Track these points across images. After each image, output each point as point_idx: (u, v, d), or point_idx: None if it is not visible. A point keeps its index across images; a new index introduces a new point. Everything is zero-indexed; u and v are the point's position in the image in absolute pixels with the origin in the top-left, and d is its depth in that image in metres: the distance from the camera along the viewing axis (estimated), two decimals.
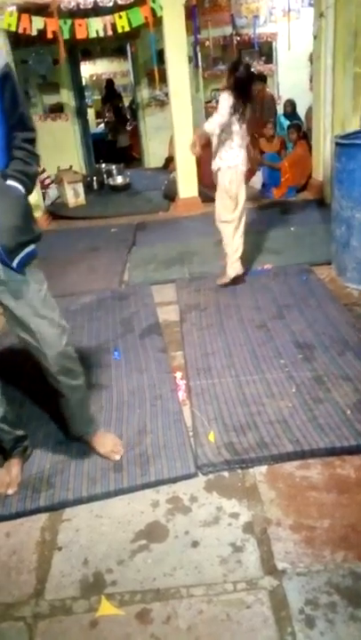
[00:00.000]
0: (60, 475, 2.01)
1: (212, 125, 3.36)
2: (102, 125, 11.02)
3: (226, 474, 1.98)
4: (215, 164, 3.53)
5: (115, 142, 10.06)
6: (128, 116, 10.64)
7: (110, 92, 10.27)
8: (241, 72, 3.30)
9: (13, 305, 1.74)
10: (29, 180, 1.67)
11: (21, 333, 1.80)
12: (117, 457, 2.02)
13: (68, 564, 1.68)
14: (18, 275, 1.69)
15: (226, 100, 3.27)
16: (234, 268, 3.60)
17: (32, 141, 1.69)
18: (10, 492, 1.94)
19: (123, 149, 10.16)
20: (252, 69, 3.63)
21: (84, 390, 2.01)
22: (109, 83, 10.37)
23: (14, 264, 1.66)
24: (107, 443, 2.07)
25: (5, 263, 1.65)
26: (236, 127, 3.37)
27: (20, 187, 1.63)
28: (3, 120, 1.55)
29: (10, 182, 1.61)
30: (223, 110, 3.28)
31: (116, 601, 1.54)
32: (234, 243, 3.59)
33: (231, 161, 3.47)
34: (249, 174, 6.82)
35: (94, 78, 12.46)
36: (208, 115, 9.22)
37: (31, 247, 1.72)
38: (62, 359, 1.85)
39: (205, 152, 5.78)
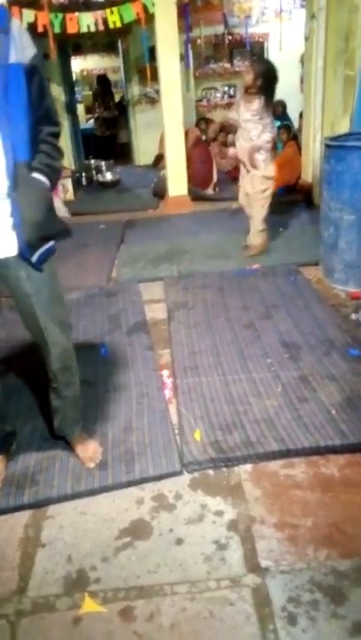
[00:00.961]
0: (45, 471, 1.99)
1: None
2: (92, 121, 10.94)
3: (211, 472, 1.99)
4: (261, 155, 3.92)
5: (105, 138, 9.99)
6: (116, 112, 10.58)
7: (105, 87, 10.19)
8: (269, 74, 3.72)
9: (26, 300, 1.71)
10: (54, 174, 1.64)
11: (30, 326, 1.79)
12: (92, 465, 1.99)
13: (51, 561, 1.67)
14: (35, 271, 1.66)
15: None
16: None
17: (57, 135, 1.66)
18: None
19: (123, 145, 10.10)
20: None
21: (78, 389, 2.00)
22: (102, 78, 10.28)
23: (34, 259, 1.63)
24: (88, 448, 2.04)
25: (25, 258, 1.62)
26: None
27: (45, 180, 1.60)
28: (29, 112, 1.51)
29: (36, 175, 1.58)
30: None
31: (99, 598, 1.54)
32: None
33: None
34: (238, 173, 6.85)
35: (85, 73, 12.38)
36: (198, 114, 9.24)
37: (51, 243, 1.69)
38: (65, 357, 1.85)
39: (195, 151, 5.81)
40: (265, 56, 9.13)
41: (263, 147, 3.87)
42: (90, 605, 1.51)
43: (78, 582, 1.59)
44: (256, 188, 4.03)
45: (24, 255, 1.62)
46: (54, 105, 1.73)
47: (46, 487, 1.92)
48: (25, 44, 1.48)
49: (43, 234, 1.63)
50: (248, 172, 4.02)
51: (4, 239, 1.60)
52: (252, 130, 3.82)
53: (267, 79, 3.73)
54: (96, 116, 10.15)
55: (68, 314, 1.88)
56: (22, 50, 1.47)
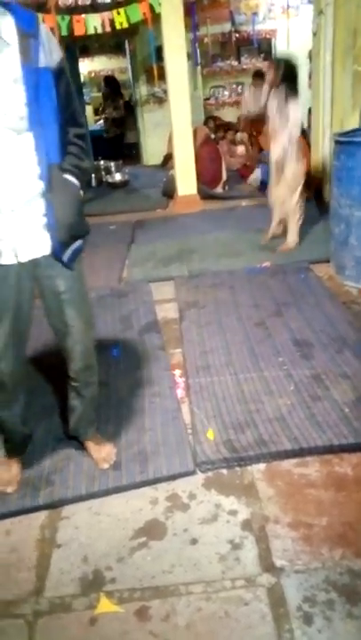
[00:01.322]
0: (60, 472, 2.01)
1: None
2: (101, 122, 10.96)
3: (224, 471, 1.99)
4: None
5: (114, 139, 10.01)
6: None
7: (114, 87, 10.21)
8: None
9: (57, 297, 1.74)
10: (83, 175, 1.67)
11: (56, 325, 1.81)
12: (106, 466, 2.00)
13: (67, 562, 1.69)
14: (66, 269, 1.70)
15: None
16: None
17: (83, 137, 1.70)
18: (9, 490, 1.94)
19: (130, 145, 10.12)
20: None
21: (96, 389, 2.02)
22: (110, 79, 10.30)
23: (65, 258, 1.67)
24: (102, 449, 2.06)
25: (57, 257, 1.66)
26: None
27: (76, 181, 1.64)
28: (58, 115, 1.54)
29: (67, 176, 1.61)
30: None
31: (115, 598, 1.55)
32: None
33: None
34: (247, 172, 6.84)
35: (92, 75, 12.41)
36: (207, 113, 9.23)
37: (80, 242, 1.73)
38: (88, 355, 1.88)
39: (204, 150, 5.83)
40: (273, 52, 9.10)
41: (295, 136, 3.89)
42: (106, 605, 1.52)
43: (94, 582, 1.61)
44: (288, 196, 4.08)
45: (57, 254, 1.65)
46: (79, 107, 1.76)
47: (61, 488, 1.93)
48: (52, 48, 1.52)
49: (75, 233, 1.67)
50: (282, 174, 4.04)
51: (37, 239, 1.63)
52: (288, 121, 3.84)
53: (287, 68, 3.84)
54: (105, 117, 10.17)
55: (92, 313, 1.90)
56: (50, 54, 1.51)
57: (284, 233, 4.28)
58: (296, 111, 3.85)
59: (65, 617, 1.51)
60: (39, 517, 1.86)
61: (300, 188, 4.06)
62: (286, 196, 4.10)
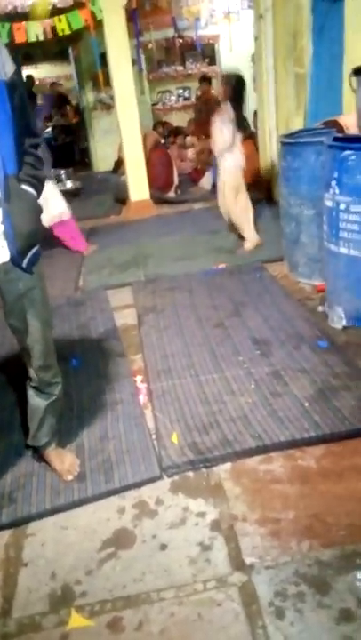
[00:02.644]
0: (22, 489, 1.96)
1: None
2: (49, 130, 10.82)
3: (191, 474, 1.99)
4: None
5: (63, 146, 9.89)
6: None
7: (61, 97, 10.12)
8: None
9: (18, 300, 1.75)
10: (40, 184, 1.69)
11: (16, 324, 1.81)
12: (70, 477, 1.97)
13: (34, 580, 1.64)
14: (26, 274, 1.71)
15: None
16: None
17: (38, 146, 1.71)
18: None
19: (82, 152, 10.05)
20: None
21: (60, 394, 1.98)
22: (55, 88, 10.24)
23: (24, 264, 1.69)
24: (65, 460, 2.02)
25: (16, 264, 1.68)
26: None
27: (33, 191, 1.65)
28: (13, 126, 1.53)
29: (24, 187, 1.62)
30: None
31: (86, 612, 1.52)
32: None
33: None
34: (198, 175, 6.90)
35: (37, 83, 12.23)
36: (155, 118, 9.26)
37: (37, 247, 1.75)
38: (46, 355, 1.87)
39: (155, 155, 5.86)
40: (216, 57, 9.24)
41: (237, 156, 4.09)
42: (77, 620, 1.49)
43: (64, 598, 1.57)
44: (231, 203, 4.17)
45: (15, 261, 1.67)
46: (34, 117, 1.77)
47: (24, 504, 1.88)
48: (4, 59, 1.51)
49: (33, 242, 1.71)
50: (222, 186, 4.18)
51: None
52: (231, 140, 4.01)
53: (235, 87, 4.04)
54: (53, 124, 10.05)
55: (52, 314, 1.92)
56: (3, 66, 1.50)
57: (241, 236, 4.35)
58: (223, 130, 3.99)
59: (35, 637, 1.47)
60: (3, 536, 1.81)
61: (242, 191, 4.16)
62: (230, 202, 4.17)
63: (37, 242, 1.74)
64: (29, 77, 9.32)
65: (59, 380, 1.97)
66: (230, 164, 4.07)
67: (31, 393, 1.95)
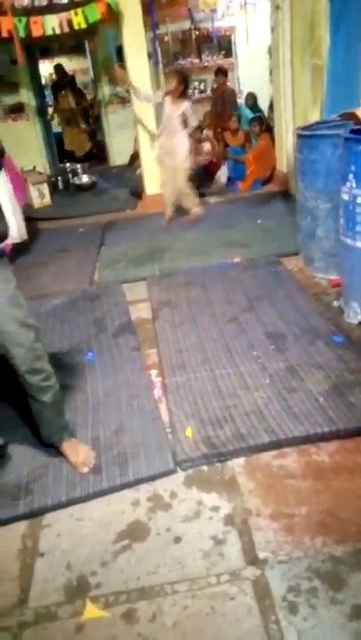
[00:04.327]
0: (39, 480, 1.99)
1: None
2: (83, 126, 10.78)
3: (205, 468, 2.00)
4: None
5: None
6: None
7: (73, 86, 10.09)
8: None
9: None
10: None
11: None
12: (86, 469, 1.99)
13: (50, 570, 1.67)
14: None
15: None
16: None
17: None
18: None
19: (98, 145, 10.04)
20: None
21: (56, 393, 1.98)
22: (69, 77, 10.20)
23: None
24: (80, 452, 2.04)
25: None
26: None
27: None
28: None
29: None
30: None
31: (100, 603, 1.54)
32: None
33: None
34: (215, 168, 6.87)
35: (53, 77, 12.26)
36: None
37: (1, 245, 1.72)
38: (31, 358, 1.84)
39: None
40: (233, 49, 9.15)
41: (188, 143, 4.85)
42: (92, 611, 1.52)
43: (79, 589, 1.60)
44: (183, 181, 4.93)
45: None
46: None
47: (41, 496, 1.91)
48: None
49: None
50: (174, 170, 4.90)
51: None
52: (178, 127, 4.76)
53: (186, 83, 4.82)
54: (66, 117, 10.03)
55: (28, 314, 1.86)
56: None
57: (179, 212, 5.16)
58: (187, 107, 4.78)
59: (51, 626, 1.50)
60: (20, 527, 1.84)
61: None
62: (180, 187, 4.96)
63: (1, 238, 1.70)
64: (59, 67, 9.31)
65: (51, 382, 1.94)
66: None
67: (30, 403, 1.96)
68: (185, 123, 4.79)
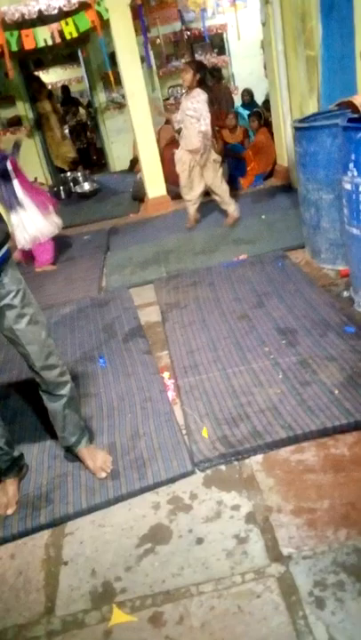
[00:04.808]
0: (59, 489, 1.99)
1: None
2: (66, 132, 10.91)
3: (223, 467, 1.99)
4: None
5: (82, 149, 9.99)
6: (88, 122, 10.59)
7: (67, 97, 10.23)
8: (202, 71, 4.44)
9: None
10: None
11: (3, 332, 1.82)
12: (104, 475, 1.99)
13: (75, 578, 1.68)
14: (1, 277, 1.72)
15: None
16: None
17: None
18: (9, 512, 1.92)
19: (97, 152, 10.13)
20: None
21: (72, 389, 2.00)
22: (65, 89, 10.35)
23: None
24: (97, 457, 2.04)
25: None
26: None
27: None
28: None
29: None
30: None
31: (127, 608, 1.54)
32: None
33: None
34: None
35: (49, 87, 12.35)
36: (167, 112, 9.22)
37: (5, 248, 1.75)
38: (45, 354, 1.87)
39: (169, 150, 5.94)
40: (226, 46, 9.14)
41: (209, 133, 4.39)
42: (119, 616, 1.52)
43: (105, 595, 1.60)
44: (213, 173, 4.56)
45: None
46: None
47: (62, 504, 1.92)
48: None
49: None
50: (203, 165, 4.53)
51: None
52: (196, 121, 4.35)
53: (201, 72, 4.43)
54: (69, 128, 10.15)
55: (39, 311, 1.89)
56: None
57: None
58: (200, 99, 4.34)
59: (79, 633, 1.50)
60: (43, 537, 1.85)
61: (221, 171, 4.65)
62: (213, 185, 4.61)
63: (2, 241, 1.73)
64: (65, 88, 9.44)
65: (66, 378, 1.97)
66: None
67: (44, 398, 1.97)
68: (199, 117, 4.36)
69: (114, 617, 1.52)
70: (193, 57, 9.33)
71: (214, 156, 4.53)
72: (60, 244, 5.44)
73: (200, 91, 4.35)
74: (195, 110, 4.32)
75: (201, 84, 4.39)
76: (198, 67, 4.48)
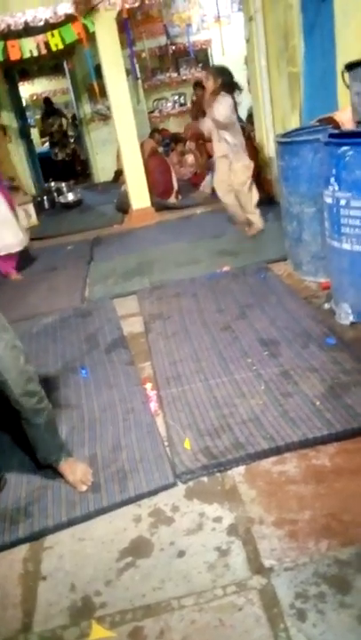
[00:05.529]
0: (38, 502, 1.96)
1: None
2: (47, 144, 10.93)
3: (205, 479, 1.98)
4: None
5: (65, 161, 10.01)
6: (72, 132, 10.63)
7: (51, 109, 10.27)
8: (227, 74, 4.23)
9: None
10: None
11: None
12: (84, 488, 1.96)
13: (54, 593, 1.64)
14: None
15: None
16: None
17: None
18: None
19: (82, 163, 10.16)
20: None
21: (49, 413, 1.97)
22: (47, 101, 10.41)
23: None
24: (77, 471, 2.01)
25: None
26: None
27: None
28: None
29: None
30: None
31: (107, 623, 1.52)
32: None
33: None
34: (198, 180, 6.92)
35: (34, 98, 12.38)
36: (152, 125, 9.32)
37: None
38: (23, 381, 1.82)
39: (152, 163, 5.99)
40: (210, 62, 9.27)
41: (240, 141, 4.36)
42: (98, 632, 1.49)
43: (84, 610, 1.57)
44: (241, 179, 4.43)
45: None
46: None
47: (41, 518, 1.88)
48: None
49: None
50: (230, 168, 4.43)
51: None
52: (227, 128, 4.25)
53: (224, 76, 4.21)
54: (54, 140, 10.18)
55: (15, 336, 1.85)
56: None
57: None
58: (221, 104, 4.16)
59: None
60: (21, 551, 1.81)
61: (250, 180, 4.49)
62: (238, 191, 4.48)
63: None
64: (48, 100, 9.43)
65: (44, 404, 1.93)
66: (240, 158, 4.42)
67: (25, 427, 1.94)
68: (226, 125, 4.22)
69: (93, 632, 1.49)
70: (178, 71, 9.46)
71: (246, 161, 4.42)
72: (43, 254, 5.42)
73: (224, 95, 4.14)
74: (221, 116, 4.14)
75: (225, 87, 4.16)
76: (219, 71, 4.27)
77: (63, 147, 9.92)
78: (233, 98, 4.22)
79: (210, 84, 4.21)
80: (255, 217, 4.62)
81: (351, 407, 2.15)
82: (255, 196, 4.55)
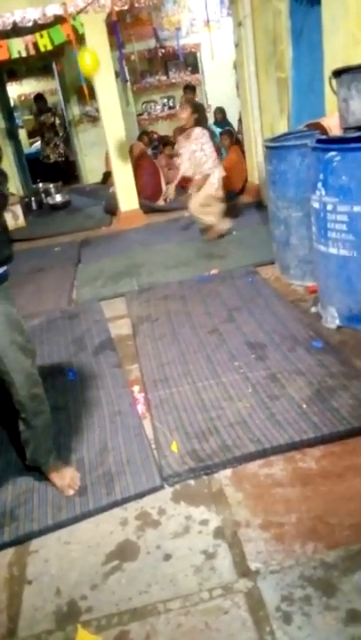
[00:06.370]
0: (24, 506, 1.94)
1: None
2: (38, 144, 10.83)
3: (192, 482, 1.98)
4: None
5: (55, 163, 9.91)
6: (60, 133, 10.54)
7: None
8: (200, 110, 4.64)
9: None
10: (2, 199, 1.66)
11: None
12: (72, 492, 1.95)
13: (39, 597, 1.63)
14: None
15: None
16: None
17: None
18: None
19: (70, 165, 10.05)
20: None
21: (48, 417, 1.96)
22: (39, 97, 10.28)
23: None
24: (65, 475, 2.00)
25: None
26: None
27: None
28: None
29: None
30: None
31: (92, 627, 1.51)
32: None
33: None
34: (187, 182, 6.94)
35: (23, 98, 12.30)
36: (141, 128, 9.32)
37: (3, 268, 1.70)
38: (30, 384, 1.83)
39: (141, 165, 6.02)
40: (199, 66, 9.32)
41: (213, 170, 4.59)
42: (84, 636, 1.48)
43: (70, 614, 1.56)
44: (203, 195, 4.67)
45: None
46: None
47: (26, 521, 1.87)
48: None
49: None
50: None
51: None
52: (202, 158, 4.53)
53: (199, 113, 4.60)
54: (46, 140, 10.07)
55: (29, 339, 1.86)
56: None
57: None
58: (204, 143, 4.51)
59: None
60: (6, 555, 1.79)
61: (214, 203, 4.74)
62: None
63: (2, 261, 1.69)
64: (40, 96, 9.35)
65: (45, 407, 1.94)
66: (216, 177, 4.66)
67: (22, 426, 1.93)
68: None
69: (79, 637, 1.48)
70: (167, 74, 9.48)
71: (216, 177, 4.66)
72: (30, 255, 5.39)
73: (201, 130, 4.50)
74: (202, 151, 4.49)
75: (198, 123, 4.54)
76: (196, 107, 4.66)
77: (55, 146, 9.80)
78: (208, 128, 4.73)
79: (185, 116, 4.56)
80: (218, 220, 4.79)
81: (337, 410, 2.16)
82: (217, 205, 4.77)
